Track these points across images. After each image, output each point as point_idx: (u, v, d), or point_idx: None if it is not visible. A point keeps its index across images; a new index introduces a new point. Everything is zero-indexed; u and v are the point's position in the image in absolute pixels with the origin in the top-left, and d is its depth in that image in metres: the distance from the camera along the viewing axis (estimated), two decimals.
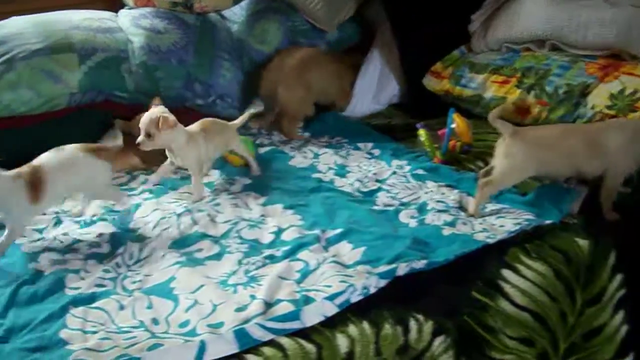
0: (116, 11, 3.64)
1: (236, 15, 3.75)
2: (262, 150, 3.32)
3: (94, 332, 2.07)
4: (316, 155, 3.25)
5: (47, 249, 2.54)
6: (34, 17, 3.39)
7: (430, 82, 3.74)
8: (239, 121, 3.07)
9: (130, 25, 3.46)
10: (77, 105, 3.21)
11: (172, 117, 2.73)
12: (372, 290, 2.17)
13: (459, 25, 3.80)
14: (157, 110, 2.75)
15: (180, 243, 2.55)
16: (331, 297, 2.12)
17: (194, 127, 2.92)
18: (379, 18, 3.90)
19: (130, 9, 3.61)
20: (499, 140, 2.71)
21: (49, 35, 3.24)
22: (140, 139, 2.72)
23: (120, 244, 2.54)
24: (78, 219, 2.77)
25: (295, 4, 3.75)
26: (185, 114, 3.19)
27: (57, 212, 2.82)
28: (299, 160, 3.21)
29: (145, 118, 2.72)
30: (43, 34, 3.24)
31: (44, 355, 1.97)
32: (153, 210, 2.79)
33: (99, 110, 3.25)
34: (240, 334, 1.99)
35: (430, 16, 3.75)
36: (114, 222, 2.71)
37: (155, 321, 2.12)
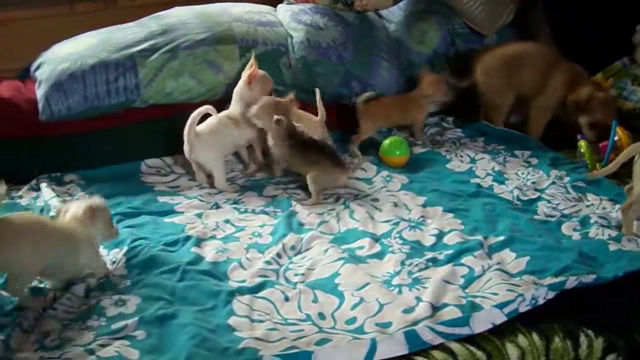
0: (274, 5, 3.68)
1: (393, 15, 3.72)
2: (418, 151, 3.30)
3: (261, 322, 2.11)
4: (473, 160, 3.20)
5: (210, 236, 2.58)
6: (197, 8, 3.46)
7: None
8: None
9: (291, 20, 3.49)
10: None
11: None
12: (541, 302, 2.14)
13: (623, 35, 3.70)
14: None
15: (341, 239, 2.56)
16: (500, 306, 2.10)
17: None
18: (539, 24, 3.82)
19: (289, 4, 3.64)
20: (637, 160, 2.63)
21: (213, 26, 3.30)
22: None
23: (282, 235, 2.56)
24: (236, 205, 2.82)
25: (455, 7, 3.70)
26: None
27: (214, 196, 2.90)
28: (455, 163, 3.17)
29: None
30: (207, 24, 3.30)
31: (215, 340, 2.01)
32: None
33: None
34: (411, 336, 1.99)
35: (592, 25, 3.65)
36: (275, 214, 2.74)
37: (321, 316, 2.13)
